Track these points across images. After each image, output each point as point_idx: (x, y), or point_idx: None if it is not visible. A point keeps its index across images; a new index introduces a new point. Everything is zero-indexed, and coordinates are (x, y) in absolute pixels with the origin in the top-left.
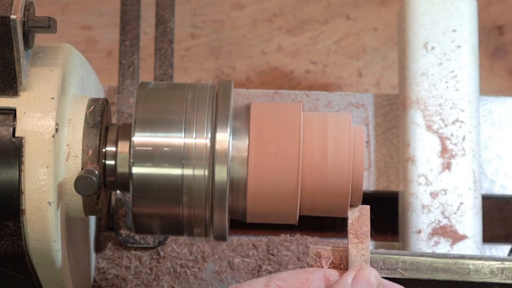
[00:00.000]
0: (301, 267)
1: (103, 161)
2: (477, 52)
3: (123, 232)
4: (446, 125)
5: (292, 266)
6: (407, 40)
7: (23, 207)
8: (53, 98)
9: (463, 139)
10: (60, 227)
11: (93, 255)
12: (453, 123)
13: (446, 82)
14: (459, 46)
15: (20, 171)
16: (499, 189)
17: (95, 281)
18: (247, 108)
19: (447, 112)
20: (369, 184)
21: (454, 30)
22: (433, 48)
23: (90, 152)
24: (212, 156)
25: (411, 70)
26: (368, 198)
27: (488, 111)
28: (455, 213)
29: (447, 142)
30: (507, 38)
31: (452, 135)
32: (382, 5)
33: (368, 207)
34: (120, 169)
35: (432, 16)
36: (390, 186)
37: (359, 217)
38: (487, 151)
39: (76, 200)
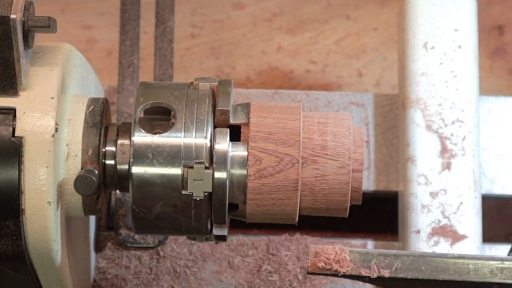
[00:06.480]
0: (301, 267)
1: (103, 160)
2: (477, 52)
3: (123, 232)
4: (446, 125)
5: (292, 265)
6: (407, 40)
7: (22, 207)
8: (52, 98)
9: (463, 139)
10: (60, 227)
11: (93, 255)
12: (453, 123)
13: (446, 82)
14: (460, 46)
15: (19, 170)
16: (499, 189)
17: (95, 280)
18: (247, 108)
19: (447, 112)
20: (369, 184)
21: (454, 30)
22: (432, 48)
23: (89, 152)
24: (212, 156)
25: (411, 70)
26: (368, 198)
27: (488, 111)
28: (455, 213)
29: (447, 142)
30: (507, 38)
31: (452, 135)
32: (382, 5)
33: None
34: (120, 169)
35: (432, 16)
36: (390, 186)
37: None
38: (487, 151)
39: (75, 200)
